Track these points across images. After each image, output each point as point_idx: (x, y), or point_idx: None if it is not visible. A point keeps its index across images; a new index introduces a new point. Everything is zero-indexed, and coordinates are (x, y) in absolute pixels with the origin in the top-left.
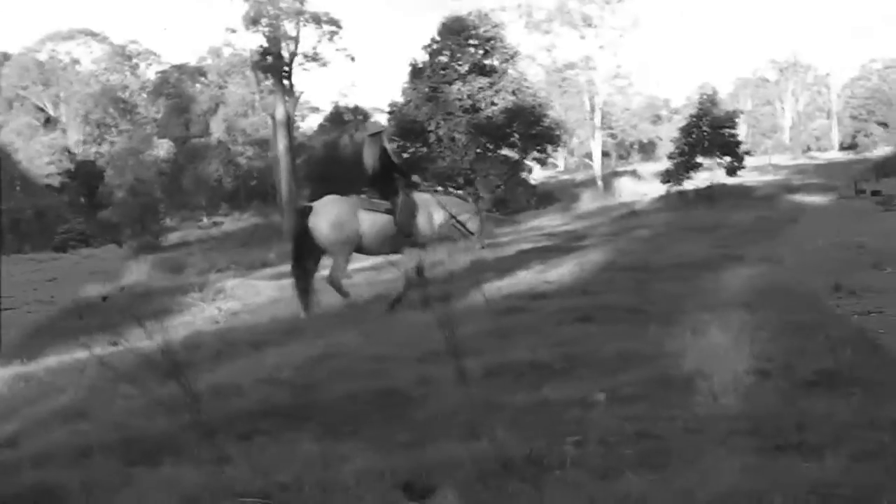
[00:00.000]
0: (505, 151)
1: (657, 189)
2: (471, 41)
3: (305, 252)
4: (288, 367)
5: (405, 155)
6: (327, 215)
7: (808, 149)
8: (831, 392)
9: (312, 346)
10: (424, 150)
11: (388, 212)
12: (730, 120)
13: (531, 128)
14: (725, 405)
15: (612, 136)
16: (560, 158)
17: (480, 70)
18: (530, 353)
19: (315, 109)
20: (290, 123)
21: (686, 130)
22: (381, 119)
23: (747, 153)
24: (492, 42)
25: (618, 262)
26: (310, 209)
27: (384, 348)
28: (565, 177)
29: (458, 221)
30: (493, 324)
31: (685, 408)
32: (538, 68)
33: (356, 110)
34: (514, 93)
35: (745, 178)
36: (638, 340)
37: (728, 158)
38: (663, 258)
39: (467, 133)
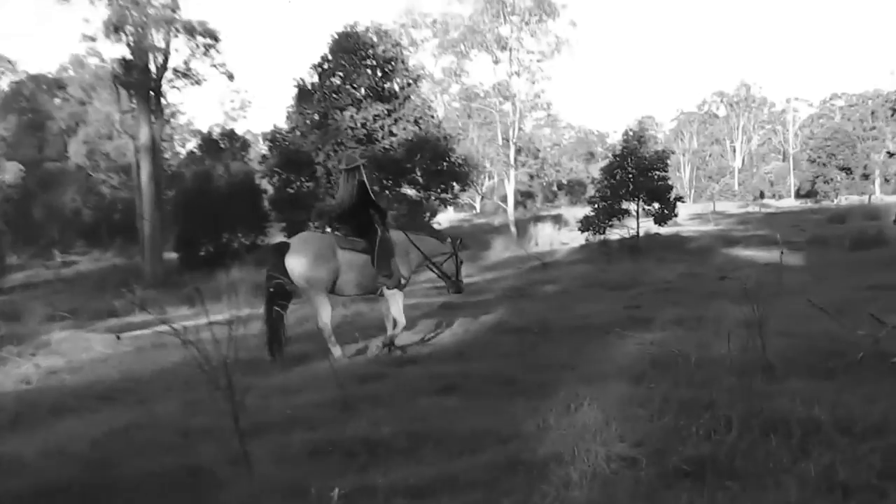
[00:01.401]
0: (405, 189)
1: (581, 237)
2: (367, 61)
3: (279, 293)
4: (86, 438)
5: (289, 190)
6: (307, 253)
7: (761, 195)
8: (701, 485)
9: (127, 414)
10: (310, 185)
11: (364, 250)
12: (660, 160)
13: (435, 163)
14: (574, 498)
15: (534, 175)
16: (477, 199)
17: (378, 95)
18: (371, 430)
19: (197, 133)
20: (155, 148)
21: (608, 171)
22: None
23: (680, 199)
24: (392, 63)
25: (509, 323)
26: (287, 246)
27: (204, 419)
28: (481, 220)
29: (432, 264)
30: (342, 392)
31: (527, 499)
32: (450, 96)
33: (232, 136)
34: (416, 122)
35: (683, 227)
36: (498, 416)
37: (657, 205)
38: (562, 319)
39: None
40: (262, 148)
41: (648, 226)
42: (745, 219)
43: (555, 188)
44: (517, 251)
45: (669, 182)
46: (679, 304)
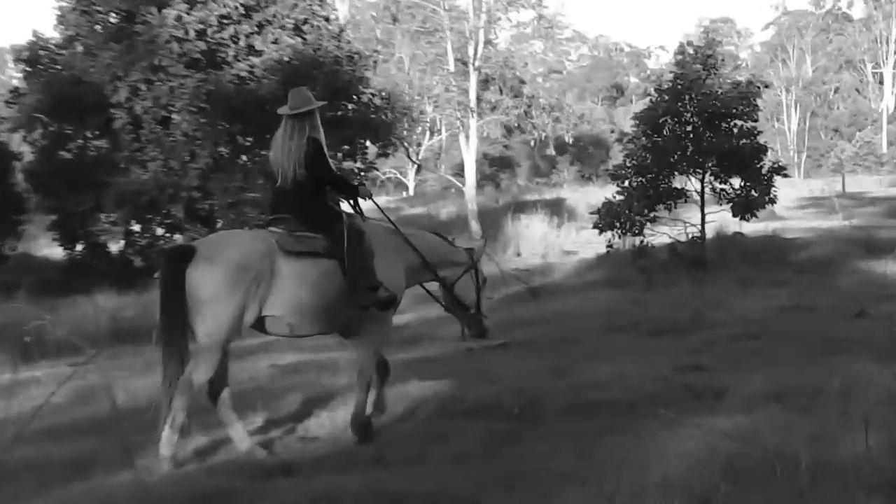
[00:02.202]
0: None
1: (600, 240)
2: None
3: (179, 321)
4: None
5: (63, 154)
6: (223, 261)
7: None
8: None
9: None
10: (103, 144)
11: (325, 253)
12: (744, 101)
13: (333, 104)
14: None
15: (514, 128)
16: (410, 172)
17: None
18: None
19: None
20: None
21: (649, 120)
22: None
23: (780, 172)
24: None
25: (468, 399)
26: (191, 251)
27: None
28: (416, 210)
29: (439, 280)
30: None
31: None
32: None
33: None
34: (297, 30)
35: (786, 222)
36: None
37: (738, 182)
38: (562, 390)
39: (194, 111)
40: (13, 74)
41: (723, 220)
42: None
43: (551, 151)
44: (486, 267)
45: (761, 141)
46: (776, 364)
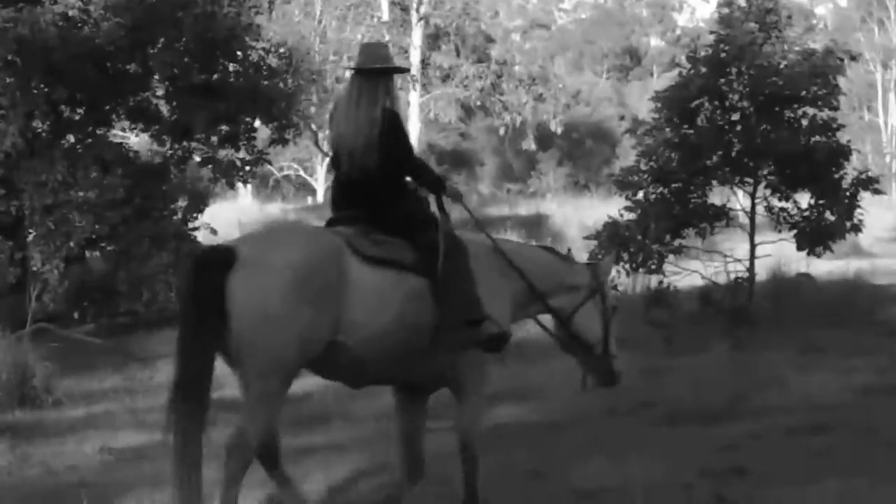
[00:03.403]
0: (127, 134)
1: None
2: None
3: (209, 357)
4: None
5: None
6: (280, 264)
7: None
8: None
9: None
10: None
11: (412, 267)
12: (818, 80)
13: (206, 63)
14: None
15: (475, 106)
16: (320, 168)
17: None
18: None
19: None
20: None
21: (677, 103)
22: None
23: (869, 186)
24: None
25: None
26: (231, 254)
27: None
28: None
29: (553, 311)
30: None
31: None
32: None
33: None
34: None
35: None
36: None
37: (809, 201)
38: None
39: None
40: None
41: (782, 254)
42: None
43: (531, 144)
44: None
45: (843, 140)
46: (852, 473)
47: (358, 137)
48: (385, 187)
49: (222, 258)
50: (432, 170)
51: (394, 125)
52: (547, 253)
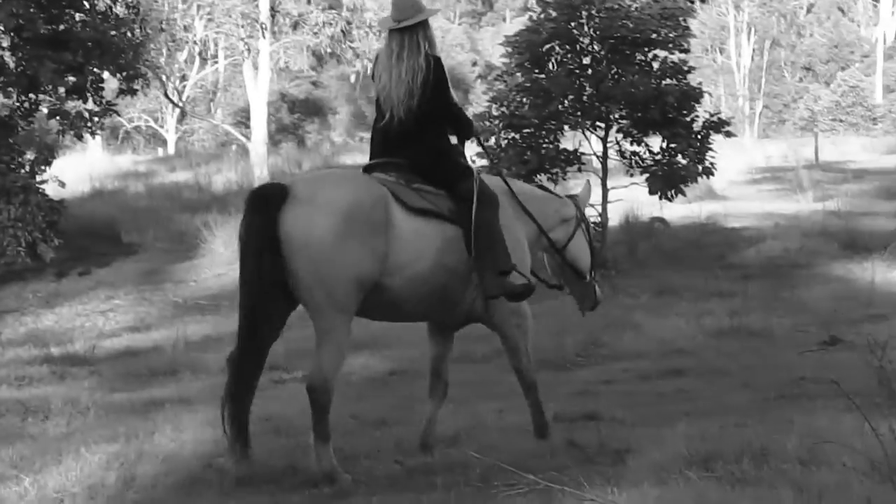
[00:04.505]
0: None
1: None
2: None
3: (266, 295)
4: None
5: None
6: (331, 206)
7: None
8: None
9: None
10: None
11: (450, 217)
12: (671, 17)
13: (50, 17)
14: None
15: (324, 55)
16: (170, 120)
17: None
18: None
19: None
20: None
21: (527, 46)
22: None
23: (721, 129)
24: None
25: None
26: (284, 191)
27: None
28: (178, 175)
29: (554, 246)
30: None
31: None
32: None
33: None
34: None
35: (729, 203)
36: None
37: (659, 142)
38: (385, 448)
39: None
40: None
41: (635, 198)
42: None
43: None
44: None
45: (694, 82)
46: (705, 414)
47: (400, 87)
48: (427, 135)
49: (278, 193)
50: (466, 114)
51: (438, 70)
52: (541, 191)
